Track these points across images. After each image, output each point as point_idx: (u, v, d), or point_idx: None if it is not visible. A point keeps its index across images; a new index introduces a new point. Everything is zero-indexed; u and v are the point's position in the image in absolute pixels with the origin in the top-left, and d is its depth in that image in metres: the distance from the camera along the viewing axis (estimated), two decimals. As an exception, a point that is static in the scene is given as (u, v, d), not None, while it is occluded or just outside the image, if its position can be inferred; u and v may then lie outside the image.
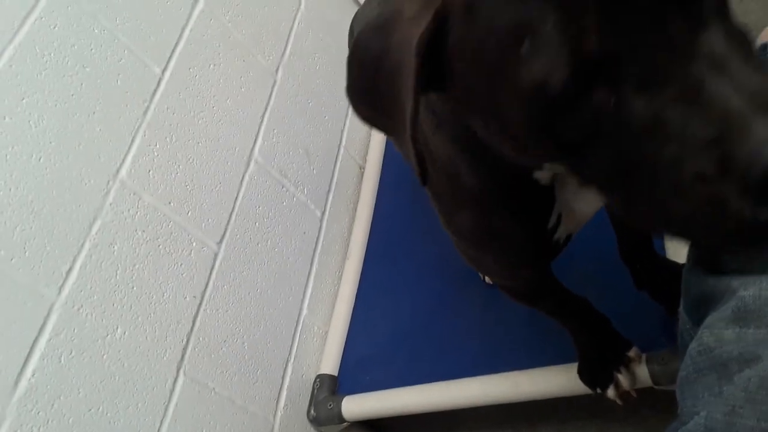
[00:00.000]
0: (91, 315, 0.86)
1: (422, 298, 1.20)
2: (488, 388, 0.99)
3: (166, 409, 0.92)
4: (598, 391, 0.85)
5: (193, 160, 1.07)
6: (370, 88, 0.47)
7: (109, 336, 0.87)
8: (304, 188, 1.30)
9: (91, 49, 0.94)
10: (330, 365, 1.21)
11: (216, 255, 1.06)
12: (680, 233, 0.40)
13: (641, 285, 0.90)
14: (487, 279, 1.10)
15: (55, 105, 0.88)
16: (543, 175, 0.55)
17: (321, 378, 1.19)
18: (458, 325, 1.12)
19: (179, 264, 0.99)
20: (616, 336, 0.85)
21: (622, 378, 0.83)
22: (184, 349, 0.97)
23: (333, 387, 1.18)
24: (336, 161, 1.42)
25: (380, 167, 1.46)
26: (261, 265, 1.15)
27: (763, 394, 0.37)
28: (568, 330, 0.85)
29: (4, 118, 0.82)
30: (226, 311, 1.06)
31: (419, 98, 0.42)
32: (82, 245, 0.87)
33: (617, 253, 0.90)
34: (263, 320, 1.13)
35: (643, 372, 0.84)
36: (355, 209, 1.43)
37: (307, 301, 1.24)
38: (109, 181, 0.92)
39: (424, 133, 0.58)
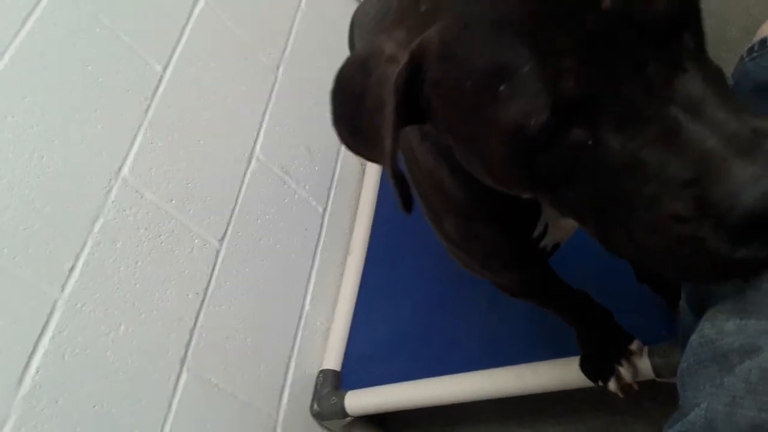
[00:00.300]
0: (94, 312, 0.86)
1: (425, 292, 1.20)
2: (491, 382, 1.00)
3: (170, 405, 0.92)
4: (600, 384, 0.86)
5: (195, 157, 1.07)
6: (352, 122, 0.48)
7: (112, 333, 0.87)
8: (306, 185, 1.30)
9: (93, 48, 0.94)
10: (333, 360, 1.21)
11: (218, 252, 1.07)
12: (657, 268, 0.41)
13: (642, 278, 0.90)
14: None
15: (57, 104, 0.88)
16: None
17: (324, 373, 1.19)
18: (461, 319, 1.12)
19: (181, 261, 1.00)
20: (617, 329, 0.86)
21: (624, 371, 0.84)
22: (188, 345, 0.97)
23: (336, 382, 1.18)
24: (337, 158, 1.42)
25: (381, 163, 1.46)
26: (263, 262, 1.15)
27: (764, 385, 0.37)
28: (569, 323, 0.86)
29: (6, 117, 0.82)
30: (229, 308, 1.06)
31: (398, 134, 0.42)
32: (85, 243, 0.87)
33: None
34: (266, 316, 1.13)
35: (644, 365, 0.84)
36: (356, 205, 1.44)
37: (309, 297, 1.24)
38: (111, 179, 0.92)
39: (411, 143, 0.59)
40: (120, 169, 0.94)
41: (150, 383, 0.91)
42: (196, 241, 1.03)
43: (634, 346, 0.85)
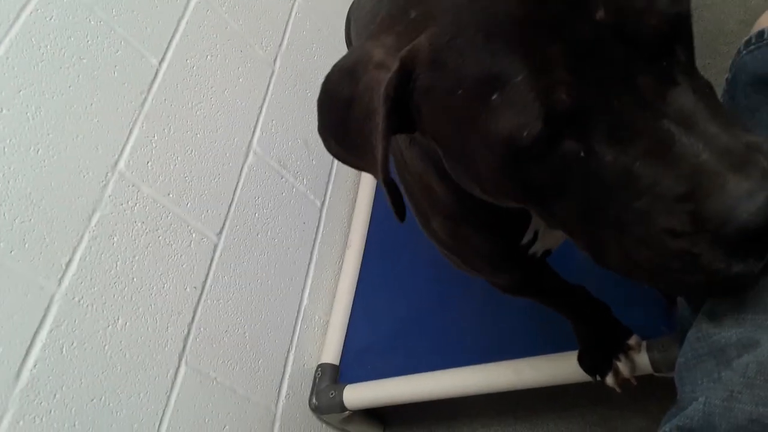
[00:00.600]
0: (92, 306, 0.86)
1: (423, 287, 1.20)
2: (489, 376, 1.00)
3: (168, 399, 0.92)
4: (598, 378, 0.86)
5: (192, 151, 1.06)
6: (340, 130, 0.47)
7: (110, 327, 0.87)
8: (304, 179, 1.30)
9: (88, 41, 0.94)
10: (331, 354, 1.21)
11: (216, 246, 1.06)
12: (650, 282, 0.40)
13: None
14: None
15: (53, 97, 0.88)
16: None
17: (322, 367, 1.19)
18: (459, 314, 1.13)
19: (179, 255, 0.99)
20: (615, 324, 0.85)
21: (622, 366, 0.84)
22: (186, 339, 0.97)
23: (334, 376, 1.18)
24: (335, 151, 1.41)
25: (380, 157, 1.46)
26: (261, 256, 1.15)
27: (762, 379, 0.37)
28: (567, 318, 0.85)
29: (2, 111, 0.82)
30: (227, 301, 1.06)
31: (389, 143, 0.41)
32: (82, 237, 0.87)
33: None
34: (264, 310, 1.13)
35: (643, 359, 0.84)
36: (355, 199, 1.43)
37: (307, 291, 1.24)
38: (107, 173, 0.92)
39: (400, 145, 0.59)
40: (116, 162, 0.94)
41: (148, 377, 0.91)
42: (194, 234, 1.03)
43: (633, 340, 0.85)
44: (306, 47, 1.38)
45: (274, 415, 1.10)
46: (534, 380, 0.95)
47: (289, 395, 1.13)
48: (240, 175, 1.14)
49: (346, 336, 1.24)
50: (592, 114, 0.36)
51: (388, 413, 1.27)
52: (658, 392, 0.90)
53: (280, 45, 1.31)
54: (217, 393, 1.00)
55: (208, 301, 1.02)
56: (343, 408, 1.13)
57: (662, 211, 0.36)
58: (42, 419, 0.77)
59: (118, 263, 0.91)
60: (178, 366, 0.95)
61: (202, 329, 1.00)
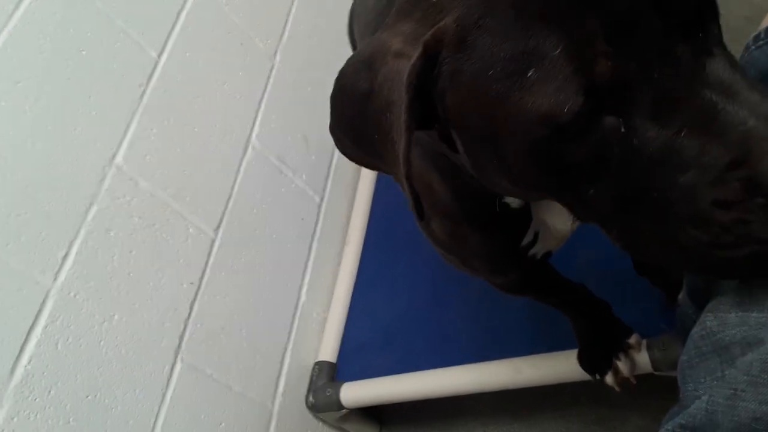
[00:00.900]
0: (88, 301, 0.85)
1: (421, 285, 1.20)
2: (488, 375, 0.99)
3: (164, 396, 0.92)
4: (598, 377, 0.85)
5: (190, 145, 1.06)
6: (356, 126, 0.45)
7: (106, 322, 0.87)
8: (303, 174, 1.29)
9: (87, 33, 0.93)
10: (329, 352, 1.20)
11: (213, 241, 1.06)
12: (690, 267, 0.39)
13: (642, 271, 0.89)
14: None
15: (51, 89, 0.87)
16: (513, 200, 0.55)
17: (320, 365, 1.19)
18: (457, 312, 1.12)
19: (176, 250, 0.99)
20: (616, 323, 0.85)
21: (621, 365, 0.83)
22: (182, 335, 0.97)
23: (332, 374, 1.18)
24: (334, 147, 1.41)
25: (379, 154, 1.45)
26: (259, 252, 1.14)
27: (766, 377, 0.37)
28: (566, 316, 0.85)
29: (-1, 102, 0.81)
30: (224, 298, 1.05)
31: (412, 136, 0.40)
32: (78, 231, 0.86)
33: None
34: (261, 307, 1.13)
35: (643, 358, 0.84)
36: (353, 195, 1.43)
37: (305, 288, 1.24)
38: (105, 167, 0.91)
39: None
40: (114, 156, 0.93)
41: (144, 373, 0.90)
42: (191, 230, 1.02)
43: (633, 339, 0.85)
44: (307, 41, 1.37)
45: (271, 413, 1.09)
46: (533, 379, 0.95)
47: (286, 393, 1.13)
48: (238, 170, 1.14)
49: (343, 333, 1.23)
50: (633, 87, 0.35)
51: (385, 411, 1.27)
52: (657, 391, 0.89)
53: (281, 39, 1.31)
54: (214, 390, 1.00)
55: (205, 297, 1.02)
56: (340, 406, 1.12)
57: (711, 182, 0.35)
58: (36, 416, 0.77)
59: (115, 258, 0.90)
60: (174, 362, 0.94)
61: (198, 325, 0.99)
